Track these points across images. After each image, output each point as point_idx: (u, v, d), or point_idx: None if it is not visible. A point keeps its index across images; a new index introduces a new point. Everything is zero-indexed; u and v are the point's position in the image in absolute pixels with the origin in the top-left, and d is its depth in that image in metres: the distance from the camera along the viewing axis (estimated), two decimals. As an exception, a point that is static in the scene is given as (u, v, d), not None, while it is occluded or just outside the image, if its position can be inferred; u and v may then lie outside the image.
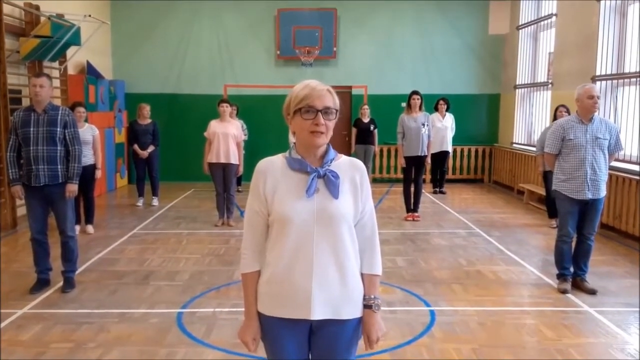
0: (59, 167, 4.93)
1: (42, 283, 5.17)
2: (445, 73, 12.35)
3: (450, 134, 10.86)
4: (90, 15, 9.22)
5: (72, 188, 5.01)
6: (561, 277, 5.31)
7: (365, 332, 2.15)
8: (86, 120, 7.43)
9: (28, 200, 5.02)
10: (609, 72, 8.12)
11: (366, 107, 11.11)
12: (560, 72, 9.60)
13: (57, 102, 9.08)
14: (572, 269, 5.30)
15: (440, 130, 10.58)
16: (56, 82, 9.28)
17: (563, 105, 7.46)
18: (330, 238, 2.04)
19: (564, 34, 9.54)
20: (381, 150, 12.06)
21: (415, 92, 8.28)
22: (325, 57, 11.98)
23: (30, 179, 4.89)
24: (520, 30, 11.44)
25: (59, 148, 4.92)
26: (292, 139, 2.25)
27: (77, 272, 5.43)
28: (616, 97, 8.06)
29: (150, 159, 9.31)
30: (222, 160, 7.62)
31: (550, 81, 10.13)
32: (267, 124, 11.60)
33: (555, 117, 7.35)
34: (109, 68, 11.96)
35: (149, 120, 9.32)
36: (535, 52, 11.11)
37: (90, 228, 7.46)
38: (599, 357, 3.91)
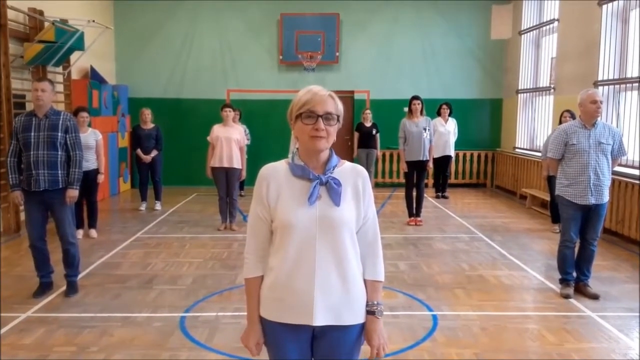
0: (59, 172, 4.91)
1: (44, 287, 5.18)
2: (447, 78, 12.35)
3: (452, 138, 10.88)
4: (94, 21, 9.25)
5: (73, 194, 5.00)
6: (564, 282, 5.31)
7: (367, 338, 2.15)
8: (89, 125, 7.45)
9: (27, 206, 4.99)
10: (611, 77, 8.12)
11: (368, 111, 11.14)
12: (563, 77, 9.61)
13: (61, 107, 9.14)
14: (574, 274, 5.30)
15: (443, 135, 10.60)
16: (60, 87, 9.32)
17: (568, 111, 7.46)
18: (332, 244, 2.04)
19: (566, 39, 9.55)
20: (383, 155, 12.05)
21: (415, 97, 8.29)
22: (328, 62, 12.01)
23: (30, 184, 4.87)
24: (523, 35, 11.44)
25: (59, 153, 4.91)
26: (292, 146, 2.24)
27: (80, 276, 5.45)
28: (618, 102, 8.06)
29: (153, 164, 9.34)
30: (225, 165, 7.65)
31: (552, 86, 10.14)
32: (269, 128, 11.64)
33: (560, 123, 7.35)
34: (112, 73, 12.01)
35: (152, 125, 9.36)
36: (537, 57, 11.11)
37: (93, 232, 7.49)
38: (601, 362, 3.91)
